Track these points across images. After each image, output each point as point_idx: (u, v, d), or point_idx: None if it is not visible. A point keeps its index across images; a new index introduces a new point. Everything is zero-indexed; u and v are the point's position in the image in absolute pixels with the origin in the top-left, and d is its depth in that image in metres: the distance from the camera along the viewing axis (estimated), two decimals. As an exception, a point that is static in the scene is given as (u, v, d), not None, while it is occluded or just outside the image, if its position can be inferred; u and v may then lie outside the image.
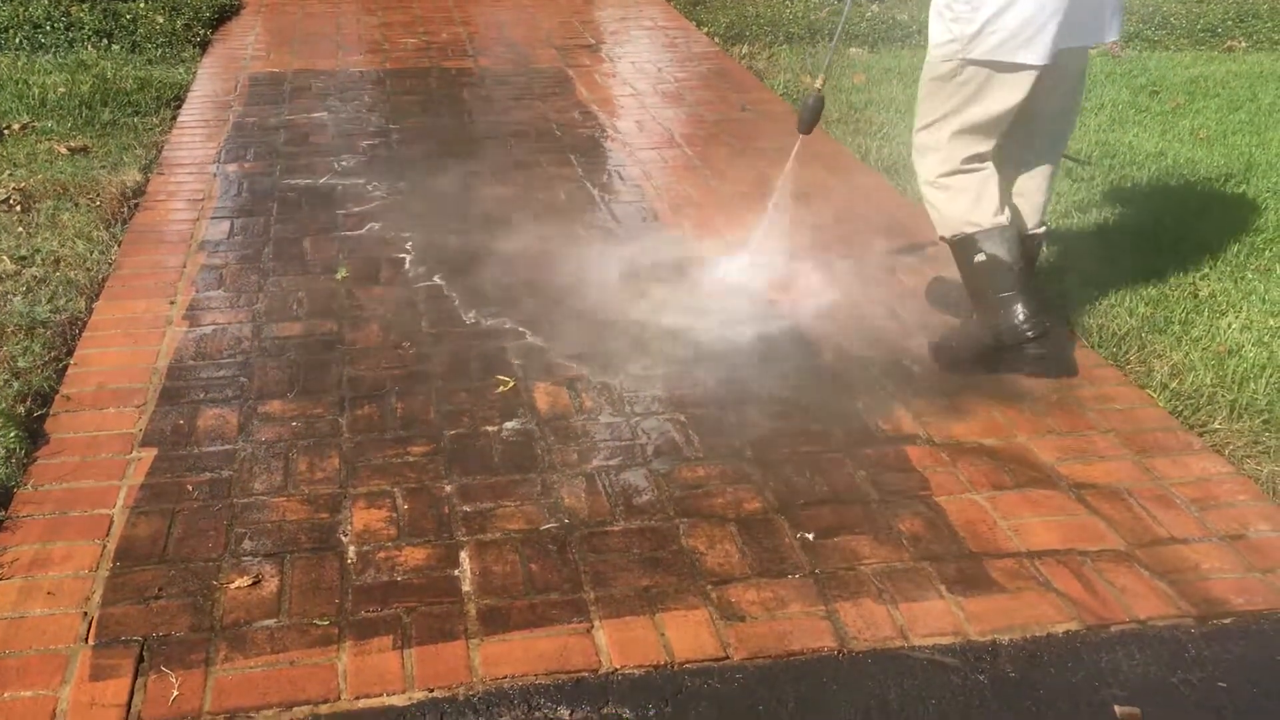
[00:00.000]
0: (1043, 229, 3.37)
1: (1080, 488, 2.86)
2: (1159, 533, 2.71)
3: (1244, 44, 7.28)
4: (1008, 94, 3.03)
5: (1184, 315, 3.65)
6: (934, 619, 2.43)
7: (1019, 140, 3.19)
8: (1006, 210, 3.19)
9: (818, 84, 3.56)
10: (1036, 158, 3.28)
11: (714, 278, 3.91)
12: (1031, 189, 3.31)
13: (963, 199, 3.17)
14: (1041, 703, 2.23)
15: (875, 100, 5.92)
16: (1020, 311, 3.16)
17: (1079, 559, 2.62)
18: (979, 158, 3.15)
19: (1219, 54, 7.08)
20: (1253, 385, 3.24)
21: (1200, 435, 3.08)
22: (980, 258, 3.17)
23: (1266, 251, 4.14)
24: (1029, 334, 3.16)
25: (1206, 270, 3.98)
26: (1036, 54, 2.94)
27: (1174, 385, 3.27)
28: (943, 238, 3.29)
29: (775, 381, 3.29)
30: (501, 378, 3.28)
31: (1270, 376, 3.28)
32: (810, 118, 3.60)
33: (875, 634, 2.38)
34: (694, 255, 4.11)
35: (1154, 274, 3.92)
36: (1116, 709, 2.22)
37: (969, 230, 3.18)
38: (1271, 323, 3.60)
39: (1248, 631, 2.43)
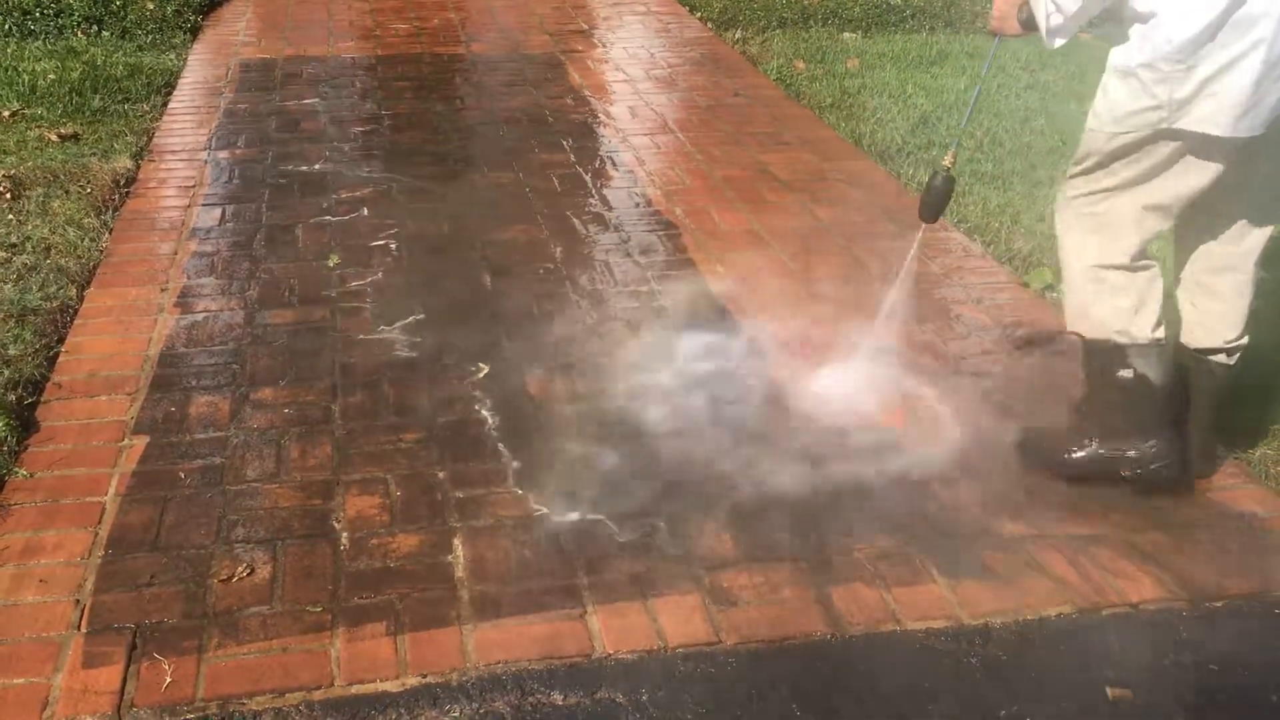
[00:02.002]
0: (1242, 340, 2.72)
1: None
2: (1150, 517, 2.71)
3: None
4: (1205, 171, 2.49)
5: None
6: (926, 603, 2.43)
7: (1216, 222, 2.65)
8: (1164, 325, 2.67)
9: (946, 161, 2.89)
10: (1239, 247, 2.66)
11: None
12: (1228, 288, 2.69)
13: (1121, 301, 2.63)
14: (1034, 685, 2.24)
15: (869, 85, 5.90)
16: (1158, 447, 2.70)
17: (1073, 543, 2.62)
18: (1143, 254, 2.63)
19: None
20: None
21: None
22: (1126, 375, 2.67)
23: None
24: (1162, 474, 2.72)
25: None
26: (1252, 123, 2.39)
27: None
28: (1076, 333, 2.77)
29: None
30: (483, 369, 3.28)
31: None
32: (936, 202, 2.94)
33: (868, 618, 2.39)
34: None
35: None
36: (1108, 691, 2.23)
37: (1121, 341, 2.66)
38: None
39: (1239, 614, 2.44)
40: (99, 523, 2.62)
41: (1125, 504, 2.74)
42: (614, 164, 4.90)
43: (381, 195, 4.51)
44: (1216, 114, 2.38)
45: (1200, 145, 2.45)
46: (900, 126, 5.26)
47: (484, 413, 3.07)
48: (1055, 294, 3.74)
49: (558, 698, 2.18)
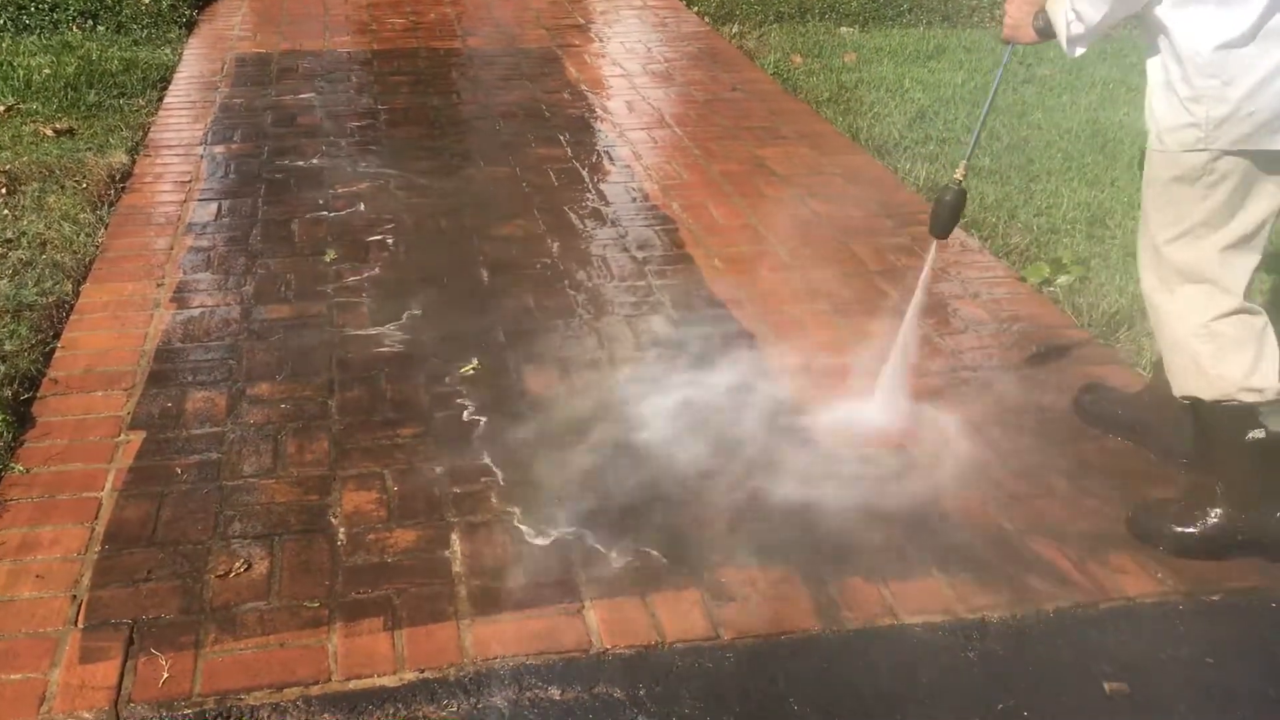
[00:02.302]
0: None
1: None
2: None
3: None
4: (1273, 191, 2.34)
5: None
6: (923, 597, 2.43)
7: None
8: None
9: (958, 174, 2.81)
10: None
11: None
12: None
13: (1239, 356, 2.39)
14: (1030, 679, 2.24)
15: (866, 80, 5.90)
16: None
17: (1069, 536, 2.62)
18: (1246, 298, 2.41)
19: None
20: None
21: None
22: (1258, 435, 2.41)
23: None
24: None
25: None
26: None
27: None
28: (1188, 397, 2.49)
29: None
30: (472, 363, 3.27)
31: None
32: (948, 216, 2.82)
33: (865, 612, 2.39)
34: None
35: None
36: (1105, 685, 2.23)
37: (1248, 399, 2.40)
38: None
39: (1236, 608, 2.44)
40: (95, 518, 2.62)
41: (1120, 498, 2.74)
42: (611, 159, 4.90)
43: (378, 190, 4.50)
44: (1257, 132, 2.26)
45: (1261, 163, 2.31)
46: (897, 121, 5.26)
47: (479, 410, 3.06)
48: (1052, 289, 3.74)
49: (555, 692, 2.18)
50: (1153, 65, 2.40)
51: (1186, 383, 2.48)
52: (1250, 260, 2.41)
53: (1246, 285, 2.41)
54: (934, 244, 2.93)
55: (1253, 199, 2.36)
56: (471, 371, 3.23)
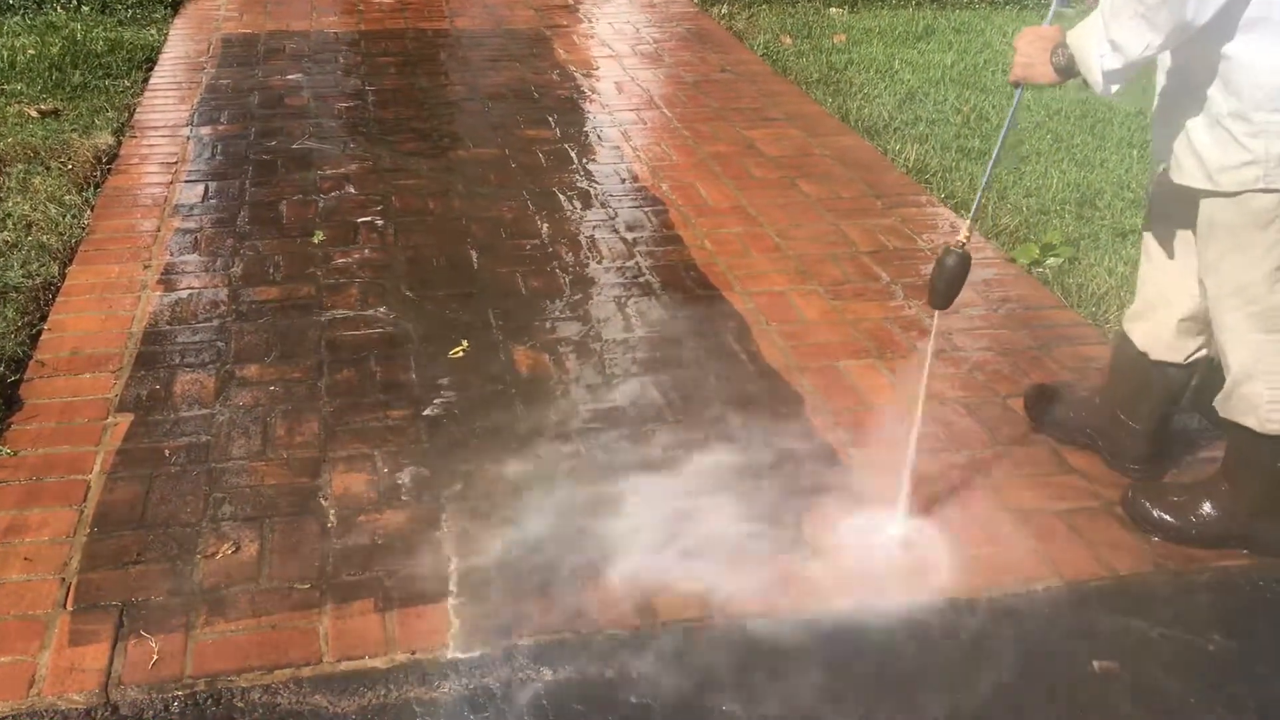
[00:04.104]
0: (1203, 352, 2.58)
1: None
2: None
3: None
4: None
5: None
6: (912, 576, 2.44)
7: None
8: None
9: (962, 236, 2.42)
10: None
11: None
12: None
13: None
14: (1021, 658, 2.25)
15: (856, 61, 5.88)
16: None
17: (1058, 516, 2.63)
18: None
19: None
20: None
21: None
22: None
23: None
24: None
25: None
26: None
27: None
28: (1234, 421, 2.43)
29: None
30: (461, 345, 3.26)
31: None
32: (949, 286, 2.44)
33: (855, 593, 2.39)
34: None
35: None
36: (1095, 663, 2.24)
37: None
38: None
39: (1224, 586, 2.45)
40: (84, 500, 2.61)
41: (1109, 476, 2.75)
42: (600, 140, 4.88)
43: (366, 171, 4.48)
44: None
45: None
46: (887, 102, 5.25)
47: (472, 390, 3.06)
48: (1042, 270, 3.74)
49: (547, 673, 2.18)
50: (1192, 103, 2.20)
51: (1236, 415, 2.41)
52: None
53: None
54: (936, 317, 2.54)
55: None
56: (461, 354, 3.22)
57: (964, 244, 2.42)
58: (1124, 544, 2.55)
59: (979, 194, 2.54)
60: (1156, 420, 2.72)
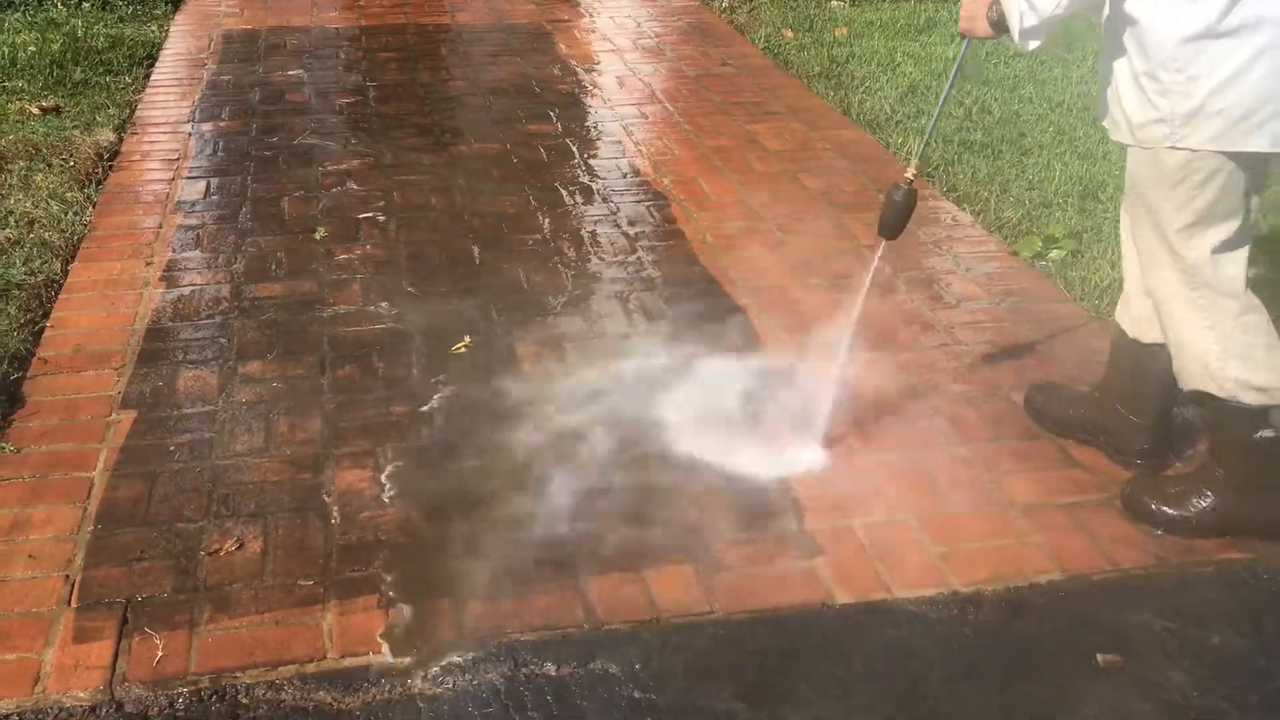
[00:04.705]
0: None
1: (1063, 439, 2.87)
2: (1141, 483, 2.72)
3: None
4: (1251, 186, 2.30)
5: None
6: (918, 570, 2.44)
7: None
8: None
9: (909, 173, 2.68)
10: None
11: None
12: None
13: (1246, 358, 2.36)
14: (1025, 652, 2.25)
15: (858, 54, 5.87)
16: None
17: (1062, 510, 2.63)
18: (1249, 294, 2.37)
19: None
20: None
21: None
22: (1267, 434, 2.41)
23: None
24: None
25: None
26: (1269, 138, 2.19)
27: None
28: (1199, 391, 2.46)
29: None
30: (464, 340, 3.26)
31: None
32: (896, 218, 2.69)
33: (858, 586, 2.39)
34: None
35: None
36: (1099, 657, 2.24)
37: (1254, 401, 2.38)
38: None
39: (1227, 579, 2.45)
40: (87, 498, 2.61)
41: (1113, 470, 2.75)
42: (602, 134, 4.87)
43: (368, 167, 4.48)
44: (1227, 131, 2.19)
45: (1243, 163, 2.25)
46: (889, 95, 5.24)
47: (475, 385, 3.06)
48: (1045, 263, 3.74)
49: (551, 669, 2.18)
50: (1118, 59, 2.33)
51: (1194, 381, 2.45)
52: (1241, 256, 2.36)
53: (1245, 282, 2.36)
54: (881, 244, 2.77)
55: (1236, 198, 2.29)
56: (464, 349, 3.22)
57: (911, 180, 2.66)
58: (1127, 537, 2.55)
59: (927, 132, 2.81)
60: (1157, 413, 2.72)
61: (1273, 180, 2.48)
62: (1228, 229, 2.33)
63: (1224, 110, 2.18)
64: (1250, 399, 2.39)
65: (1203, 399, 2.48)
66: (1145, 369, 2.67)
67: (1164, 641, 2.28)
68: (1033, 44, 2.34)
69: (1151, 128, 2.28)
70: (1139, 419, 2.72)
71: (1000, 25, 2.40)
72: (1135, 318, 2.66)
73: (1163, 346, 2.57)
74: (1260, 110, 2.17)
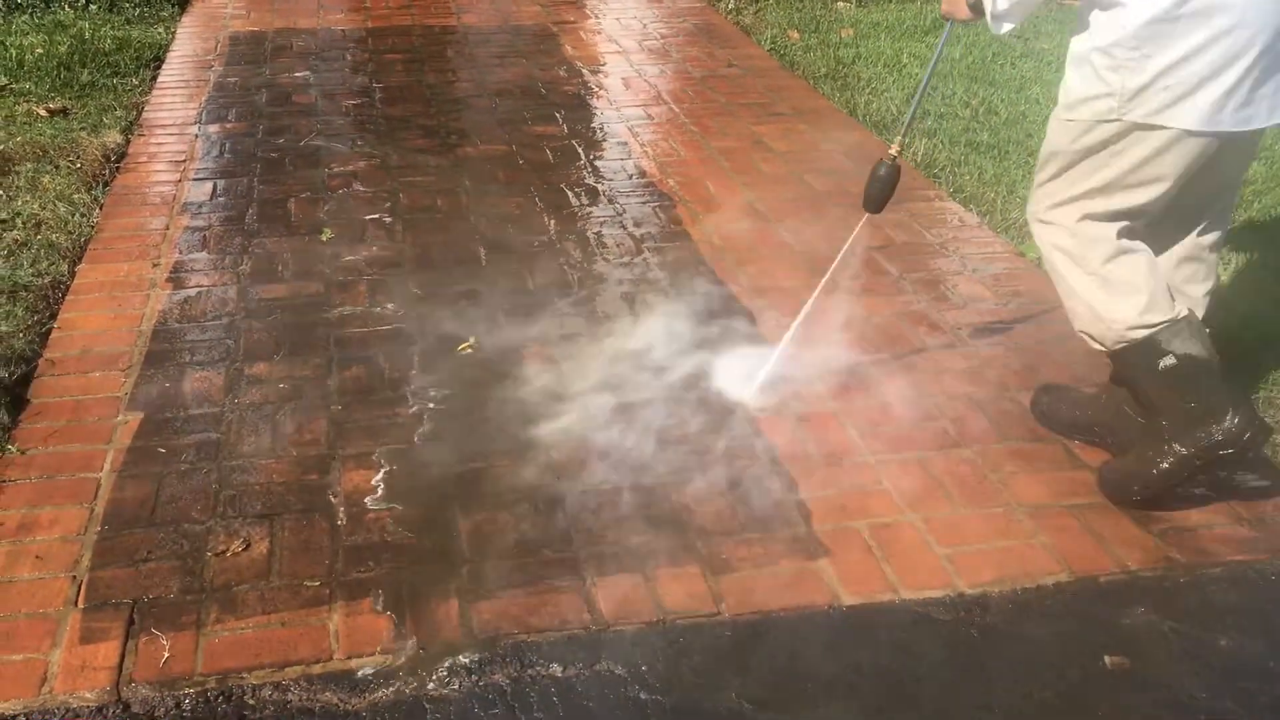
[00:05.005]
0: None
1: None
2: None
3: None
4: (1178, 164, 2.38)
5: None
6: (924, 572, 2.44)
7: (1177, 217, 2.54)
8: (1178, 298, 2.54)
9: (893, 149, 2.81)
10: (1203, 239, 2.58)
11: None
12: (1187, 279, 2.62)
13: (1132, 297, 2.47)
14: (1032, 653, 2.24)
15: (864, 55, 5.87)
16: (1239, 418, 2.46)
17: (1068, 511, 2.62)
18: (1131, 232, 2.50)
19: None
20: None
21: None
22: (1169, 362, 2.47)
23: None
24: (1255, 443, 2.49)
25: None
26: (1203, 118, 2.28)
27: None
28: (1087, 334, 2.59)
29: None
30: (469, 341, 3.26)
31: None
32: (880, 192, 2.82)
33: (865, 588, 2.39)
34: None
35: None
36: (1106, 658, 2.23)
37: (1144, 335, 2.48)
38: None
39: (1236, 581, 2.44)
40: (94, 499, 2.61)
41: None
42: (607, 136, 4.88)
43: (374, 169, 4.48)
44: (1169, 106, 2.30)
45: (1162, 141, 2.35)
46: (895, 96, 5.24)
47: (480, 387, 3.06)
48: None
49: (557, 669, 2.18)
50: (1076, 40, 2.42)
51: (1083, 323, 2.57)
52: (1139, 229, 2.49)
53: (1134, 238, 2.49)
54: (864, 218, 2.90)
55: (1155, 171, 2.39)
56: (469, 350, 3.22)
57: (895, 157, 2.80)
58: (1135, 539, 2.54)
59: (910, 111, 2.92)
60: None
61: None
62: (1129, 199, 2.44)
63: (1170, 88, 2.28)
64: (1139, 335, 2.47)
65: (1113, 357, 2.58)
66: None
67: (1171, 643, 2.28)
68: (1006, 26, 2.45)
69: (1098, 102, 2.37)
70: (1145, 419, 2.71)
71: (979, 8, 2.50)
72: None
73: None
74: (1203, 90, 2.27)
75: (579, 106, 5.24)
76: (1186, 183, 2.43)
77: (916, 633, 2.29)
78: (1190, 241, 2.58)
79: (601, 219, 4.07)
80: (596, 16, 6.78)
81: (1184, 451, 2.51)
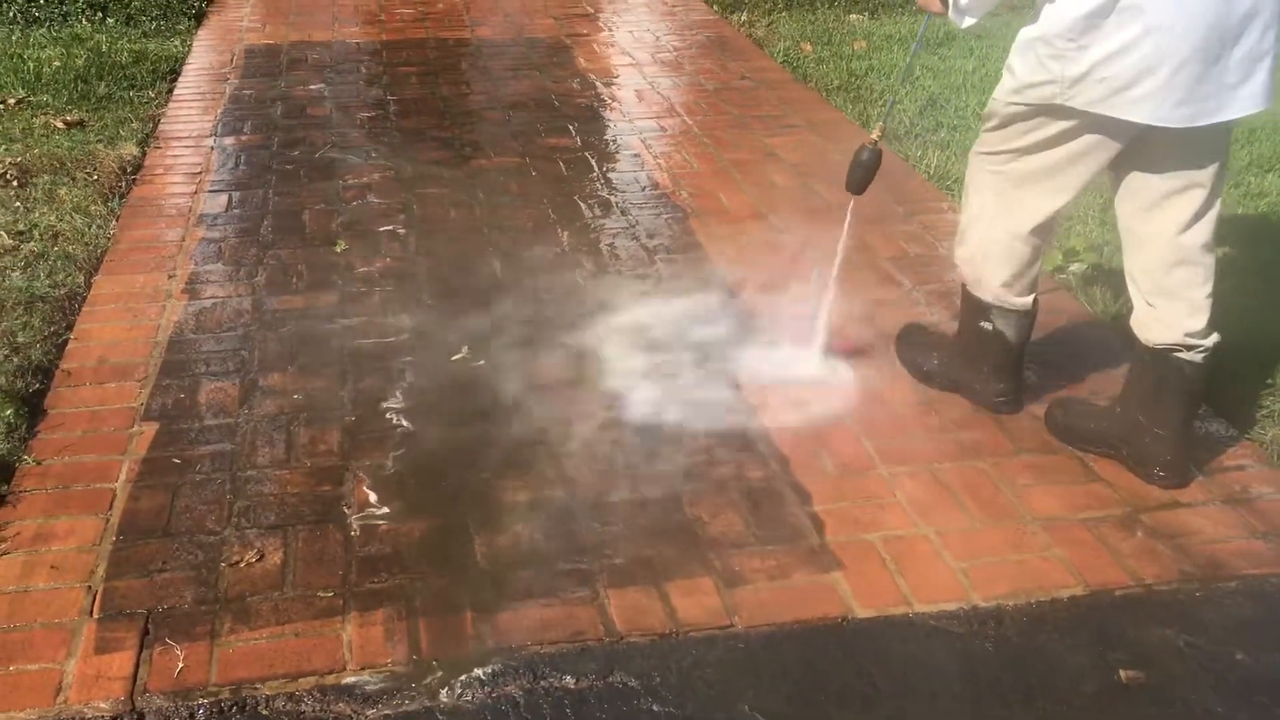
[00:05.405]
0: (1209, 339, 2.63)
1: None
2: (1162, 497, 2.70)
3: None
4: (1100, 152, 2.54)
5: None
6: (939, 585, 2.43)
7: (1157, 217, 2.60)
8: (1034, 295, 2.86)
9: (874, 134, 2.99)
10: (1188, 240, 2.58)
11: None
12: (1180, 283, 2.62)
13: (1001, 270, 2.80)
14: (1047, 667, 2.23)
15: (877, 67, 5.87)
16: (1001, 389, 2.96)
17: (1083, 524, 2.61)
18: (1040, 229, 2.73)
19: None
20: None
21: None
22: (986, 326, 2.89)
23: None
24: (1001, 408, 2.98)
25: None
26: (1145, 111, 2.39)
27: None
28: (960, 260, 2.93)
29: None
30: (463, 352, 3.27)
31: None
32: (862, 175, 3.01)
33: (879, 601, 2.38)
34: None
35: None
36: (1121, 673, 2.22)
37: (988, 299, 2.86)
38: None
39: (1252, 595, 2.43)
40: (110, 509, 2.63)
41: (1135, 484, 2.73)
42: (621, 148, 4.89)
43: (388, 180, 4.50)
44: (1108, 97, 2.41)
45: (1094, 126, 2.49)
46: (908, 109, 5.24)
47: (494, 398, 3.06)
48: (1065, 276, 3.72)
49: (570, 681, 2.18)
50: (1023, 30, 2.55)
51: (962, 262, 2.91)
52: (1057, 202, 2.66)
53: (1045, 219, 2.70)
54: (852, 200, 3.10)
55: (1076, 154, 2.56)
56: (463, 359, 3.22)
57: (876, 141, 2.97)
58: (1151, 552, 2.53)
59: (890, 100, 3.25)
60: (1178, 422, 2.70)
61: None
62: (1055, 171, 2.62)
63: (1107, 79, 2.40)
64: (986, 297, 2.87)
65: (963, 285, 2.94)
66: (1164, 377, 2.68)
67: (1187, 658, 2.27)
68: (968, 20, 2.61)
69: (1042, 88, 2.51)
70: (1160, 429, 2.71)
71: (947, 3, 2.63)
72: (1141, 322, 2.70)
73: (1179, 351, 2.63)
74: (1140, 84, 2.37)
75: (592, 118, 5.26)
76: (1147, 181, 2.56)
77: (930, 646, 2.28)
78: (1174, 244, 2.59)
79: (614, 230, 4.07)
80: (610, 29, 6.80)
81: (947, 373, 3.06)
